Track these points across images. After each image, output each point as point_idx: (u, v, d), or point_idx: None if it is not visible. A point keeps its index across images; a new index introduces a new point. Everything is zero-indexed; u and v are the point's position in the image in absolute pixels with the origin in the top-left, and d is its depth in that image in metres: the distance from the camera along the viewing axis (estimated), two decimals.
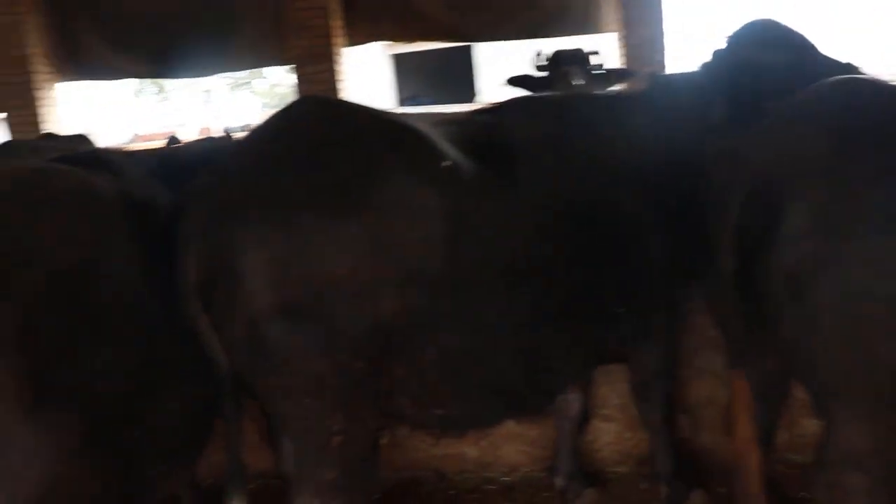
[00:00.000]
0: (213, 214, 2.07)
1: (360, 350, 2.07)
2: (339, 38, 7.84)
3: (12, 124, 8.77)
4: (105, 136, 9.58)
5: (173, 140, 4.24)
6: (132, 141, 6.76)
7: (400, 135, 2.19)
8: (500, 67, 8.56)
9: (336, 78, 7.79)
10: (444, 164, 2.16)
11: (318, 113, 2.26)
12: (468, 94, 14.47)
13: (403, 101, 14.47)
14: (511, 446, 3.56)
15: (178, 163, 2.69)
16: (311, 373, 2.06)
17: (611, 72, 5.31)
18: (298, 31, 7.74)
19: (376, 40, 8.18)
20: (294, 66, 7.88)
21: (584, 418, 3.29)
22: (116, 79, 9.10)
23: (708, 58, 2.86)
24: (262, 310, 2.00)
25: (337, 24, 7.81)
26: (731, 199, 2.10)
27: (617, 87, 5.35)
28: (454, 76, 15.56)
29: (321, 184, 2.05)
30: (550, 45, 5.89)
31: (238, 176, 2.14)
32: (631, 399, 3.03)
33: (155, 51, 8.58)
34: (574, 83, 4.81)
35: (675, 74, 3.43)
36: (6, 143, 5.54)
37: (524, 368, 2.37)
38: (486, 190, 2.24)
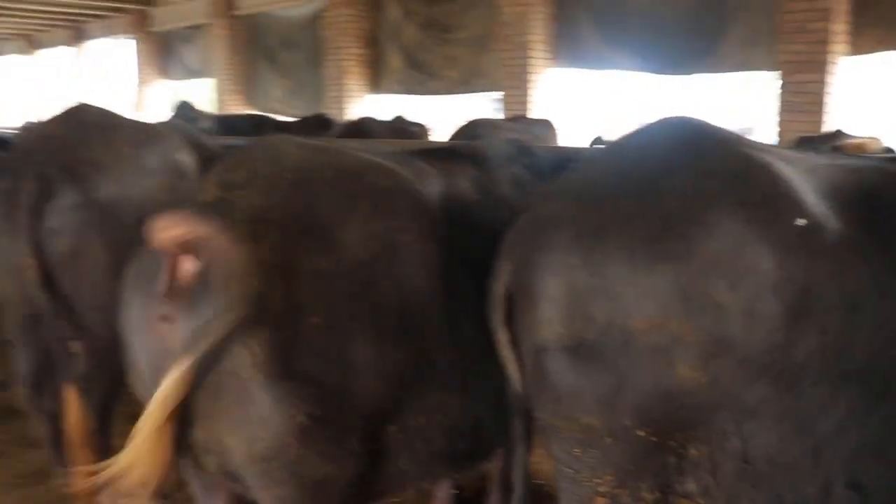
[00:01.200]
0: (531, 226, 1.96)
1: (643, 413, 1.78)
2: (838, 45, 6.98)
3: (507, 103, 9.68)
4: (583, 123, 10.05)
5: (597, 140, 4.19)
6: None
7: (748, 173, 1.80)
8: None
9: (825, 90, 6.98)
10: (799, 221, 1.71)
11: (672, 138, 1.98)
12: None
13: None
14: None
15: (542, 162, 2.63)
16: (586, 422, 1.84)
17: None
18: (792, 35, 7.10)
19: (886, 50, 7.08)
20: (780, 73, 7.27)
21: None
22: (604, 69, 9.42)
23: None
24: (549, 339, 1.84)
25: (839, 29, 6.96)
26: None
27: None
28: None
29: (641, 219, 1.79)
30: None
31: (564, 190, 1.99)
32: None
33: (645, 46, 8.67)
34: None
35: None
36: (473, 121, 6.12)
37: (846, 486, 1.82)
38: (850, 265, 1.73)
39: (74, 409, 2.86)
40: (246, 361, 1.73)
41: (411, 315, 1.96)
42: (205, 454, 1.87)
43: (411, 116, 8.19)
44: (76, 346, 2.90)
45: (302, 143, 2.12)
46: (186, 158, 3.00)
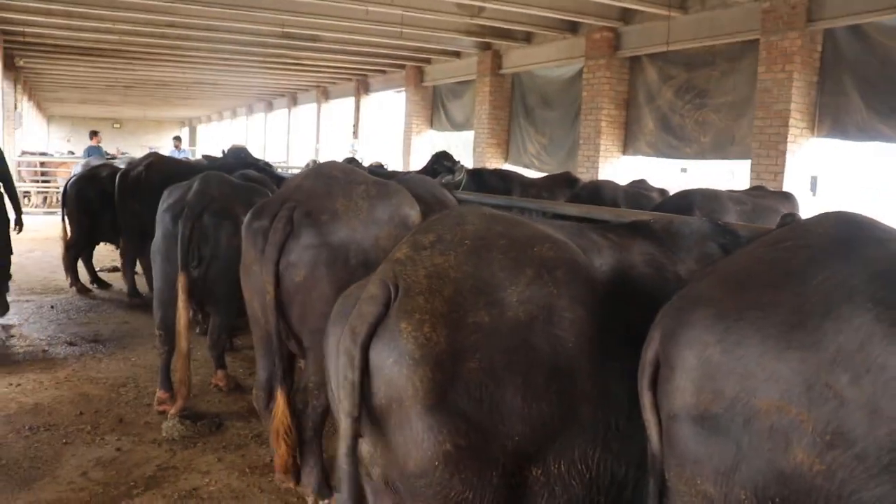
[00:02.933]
0: (681, 301, 2.10)
1: (759, 489, 1.84)
2: None
3: (756, 171, 9.40)
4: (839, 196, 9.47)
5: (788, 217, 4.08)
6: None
7: (891, 273, 1.82)
8: None
9: None
10: None
11: (828, 233, 2.03)
12: None
13: None
14: None
15: (741, 241, 2.73)
16: (704, 489, 1.93)
17: None
18: None
19: None
20: None
21: None
22: (869, 140, 8.86)
23: None
24: (680, 407, 1.97)
25: None
26: None
27: None
28: None
29: (779, 307, 1.87)
30: None
31: (716, 271, 2.11)
32: None
33: None
34: None
35: None
36: (689, 191, 6.07)
37: None
38: None
39: (281, 409, 3.38)
40: (410, 392, 2.05)
41: (561, 372, 2.17)
42: (372, 464, 2.21)
43: (659, 179, 8.22)
44: (303, 364, 3.43)
45: (484, 213, 2.44)
46: (412, 212, 3.43)
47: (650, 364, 2.10)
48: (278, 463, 3.56)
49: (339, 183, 3.37)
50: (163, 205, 5.08)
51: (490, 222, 2.36)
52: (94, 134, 17.98)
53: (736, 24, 9.82)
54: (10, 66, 17.47)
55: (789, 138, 9.07)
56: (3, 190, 6.98)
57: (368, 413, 2.13)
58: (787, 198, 6.58)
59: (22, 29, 14.67)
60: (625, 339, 2.25)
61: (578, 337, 2.20)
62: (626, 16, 11.51)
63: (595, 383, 2.23)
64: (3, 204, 6.83)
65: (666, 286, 2.46)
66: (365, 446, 2.18)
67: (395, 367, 2.08)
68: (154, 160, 8.45)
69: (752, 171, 9.48)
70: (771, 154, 9.23)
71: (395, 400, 2.08)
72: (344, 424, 2.15)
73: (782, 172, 9.06)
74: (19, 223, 7.18)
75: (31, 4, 12.26)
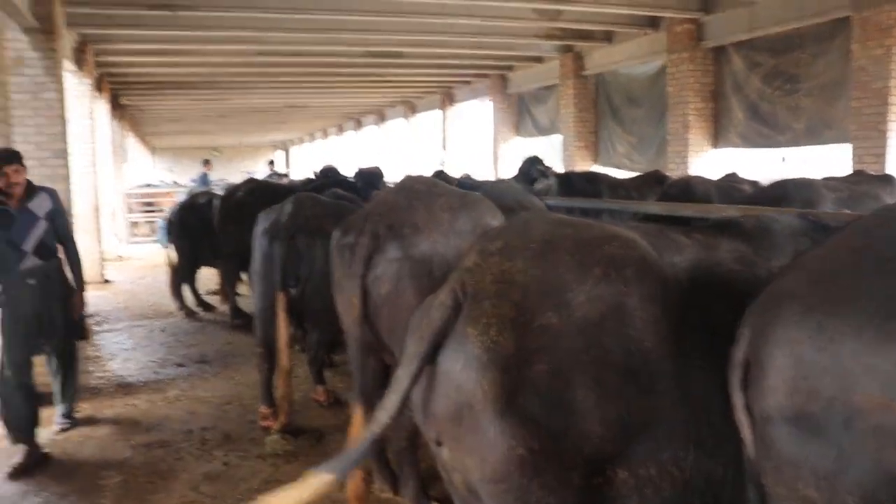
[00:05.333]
0: (769, 297, 2.05)
1: (867, 493, 1.76)
2: None
3: (857, 156, 9.02)
4: None
5: None
6: None
7: None
8: None
9: None
10: None
11: None
12: None
13: None
14: None
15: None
16: (805, 494, 1.87)
17: None
18: None
19: None
20: None
21: None
22: None
23: None
24: (773, 408, 1.92)
25: None
26: None
27: None
28: None
29: (873, 298, 1.81)
30: None
31: (802, 264, 2.05)
32: None
33: None
34: None
35: None
36: (783, 182, 5.87)
37: None
38: None
39: (358, 420, 3.47)
40: (479, 396, 2.07)
41: (637, 372, 2.14)
42: (453, 472, 2.24)
43: (757, 170, 7.94)
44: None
45: (550, 218, 2.46)
46: (494, 222, 3.46)
47: (740, 364, 2.06)
48: (354, 484, 3.61)
49: (421, 196, 3.43)
50: (258, 228, 5.28)
51: (556, 226, 2.37)
52: (206, 162, 19.24)
53: (824, 3, 9.43)
54: (116, 106, 18.47)
55: (890, 118, 8.64)
56: (63, 255, 5.18)
57: (442, 420, 2.16)
58: (889, 181, 6.27)
59: (124, 70, 15.48)
60: (713, 338, 2.21)
61: (654, 336, 2.17)
62: (708, 5, 11.22)
63: (679, 383, 2.19)
64: (62, 272, 5.12)
65: (759, 284, 2.40)
66: (445, 453, 2.21)
67: (463, 372, 2.11)
68: (252, 185, 8.77)
69: (852, 154, 9.09)
70: (871, 136, 8.82)
71: (465, 405, 2.10)
72: (374, 426, 2.21)
73: (884, 154, 8.64)
74: (80, 302, 5.22)
75: (130, 47, 12.94)
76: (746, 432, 2.05)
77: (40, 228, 4.87)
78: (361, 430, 3.40)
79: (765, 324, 1.99)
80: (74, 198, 9.13)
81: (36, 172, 8.07)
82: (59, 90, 8.50)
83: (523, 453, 2.06)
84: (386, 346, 3.42)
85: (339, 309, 3.63)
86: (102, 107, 15.22)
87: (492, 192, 4.21)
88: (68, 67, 9.79)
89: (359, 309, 3.29)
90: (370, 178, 8.11)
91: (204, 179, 17.76)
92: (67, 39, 10.11)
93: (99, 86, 14.52)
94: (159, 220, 16.92)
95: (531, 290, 2.15)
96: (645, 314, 2.17)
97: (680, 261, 2.36)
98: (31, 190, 4.91)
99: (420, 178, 3.72)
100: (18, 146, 7.06)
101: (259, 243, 5.21)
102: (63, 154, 8.53)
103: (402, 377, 2.17)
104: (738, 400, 2.06)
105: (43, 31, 8.32)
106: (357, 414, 3.47)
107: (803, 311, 1.91)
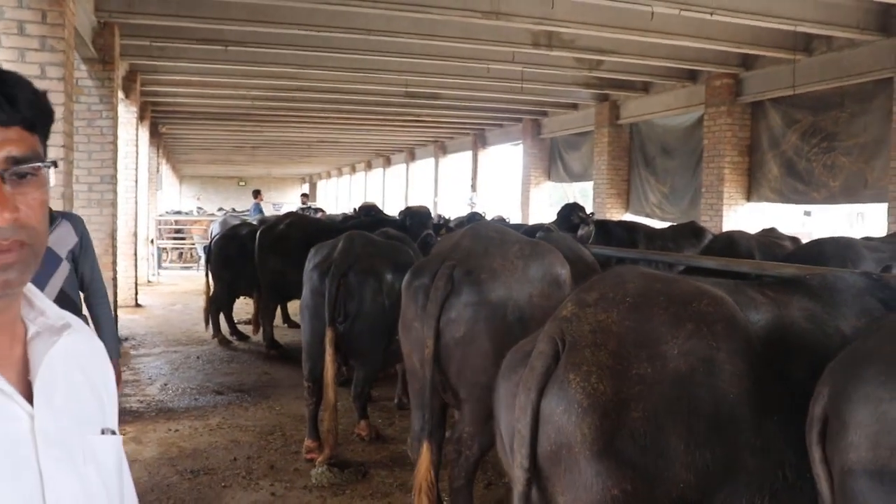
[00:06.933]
0: (850, 357, 2.12)
1: None
2: None
3: (892, 214, 9.04)
4: None
5: None
6: None
7: None
8: None
9: None
10: None
11: None
12: None
13: None
14: None
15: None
16: None
17: None
18: None
19: None
20: None
21: None
22: None
23: None
24: (855, 462, 1.98)
25: None
26: None
27: None
28: None
29: None
30: None
31: (886, 327, 2.13)
32: None
33: None
34: None
35: None
36: (821, 240, 5.93)
37: None
38: None
39: (425, 464, 3.52)
40: (577, 439, 2.18)
41: (722, 422, 2.23)
42: None
43: (782, 223, 8.03)
44: (458, 415, 3.57)
45: (643, 273, 2.57)
46: (562, 272, 3.57)
47: (819, 419, 2.13)
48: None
49: (495, 243, 3.54)
50: (310, 263, 5.38)
51: (649, 280, 2.48)
52: (256, 193, 19.08)
53: (866, 64, 9.55)
54: (155, 134, 18.84)
55: None
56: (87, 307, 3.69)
57: (541, 460, 2.25)
58: None
59: (166, 99, 15.84)
60: (788, 393, 2.30)
61: (739, 389, 2.26)
62: (748, 61, 11.38)
63: (758, 434, 2.28)
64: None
65: (828, 342, 2.48)
66: (538, 493, 2.29)
67: (564, 416, 2.21)
68: (293, 219, 8.93)
69: (888, 214, 9.13)
70: None
71: (564, 446, 2.20)
72: (517, 473, 2.28)
73: None
74: (118, 376, 3.34)
75: (176, 78, 13.28)
76: (823, 485, 2.12)
77: (62, 274, 3.45)
78: (427, 467, 3.46)
79: (847, 382, 2.07)
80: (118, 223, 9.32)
81: (84, 197, 8.31)
82: (114, 117, 8.75)
83: (617, 494, 2.16)
84: (451, 386, 3.50)
85: (405, 348, 3.72)
86: (143, 134, 15.55)
87: (546, 241, 4.31)
88: (118, 96, 10.06)
89: (431, 349, 3.37)
90: (419, 217, 8.19)
91: (257, 209, 17.91)
92: (120, 69, 10.40)
93: (142, 114, 14.86)
94: (198, 245, 17.13)
95: (627, 341, 2.26)
96: (732, 368, 2.26)
97: (758, 318, 2.46)
98: (51, 219, 2.93)
99: (491, 226, 3.85)
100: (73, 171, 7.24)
101: (310, 279, 5.30)
102: (112, 180, 8.74)
103: (521, 429, 2.26)
104: (816, 453, 2.14)
105: (101, 60, 8.60)
106: (424, 452, 3.53)
107: (887, 370, 1.99)
